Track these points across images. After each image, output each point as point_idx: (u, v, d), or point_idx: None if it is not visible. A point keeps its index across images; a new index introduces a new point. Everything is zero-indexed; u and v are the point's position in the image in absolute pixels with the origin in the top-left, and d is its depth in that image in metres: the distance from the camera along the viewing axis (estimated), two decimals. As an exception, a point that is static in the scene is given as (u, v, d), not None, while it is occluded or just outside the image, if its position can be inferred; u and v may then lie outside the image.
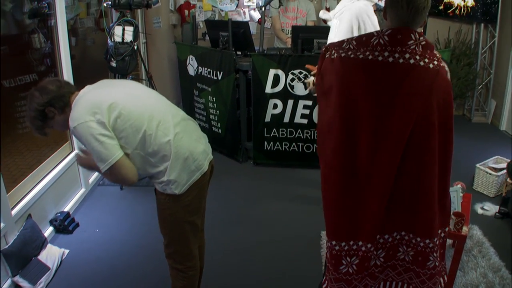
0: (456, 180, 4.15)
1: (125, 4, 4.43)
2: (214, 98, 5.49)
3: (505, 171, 4.49)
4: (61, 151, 4.37)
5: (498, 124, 6.89)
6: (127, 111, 2.30)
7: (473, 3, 6.75)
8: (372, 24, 3.69)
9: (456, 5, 6.86)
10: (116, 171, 2.29)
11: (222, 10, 7.18)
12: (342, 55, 2.14)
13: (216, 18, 7.17)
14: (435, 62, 2.07)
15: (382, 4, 2.38)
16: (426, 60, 2.05)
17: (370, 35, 2.12)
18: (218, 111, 5.50)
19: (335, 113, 2.16)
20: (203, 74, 5.53)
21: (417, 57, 2.05)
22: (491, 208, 4.38)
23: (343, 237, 2.27)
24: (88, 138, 2.21)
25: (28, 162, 3.97)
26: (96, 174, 5.00)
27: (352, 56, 2.12)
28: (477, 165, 4.80)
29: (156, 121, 2.37)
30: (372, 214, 2.19)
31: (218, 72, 5.26)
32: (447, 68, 2.14)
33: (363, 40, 2.13)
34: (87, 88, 2.44)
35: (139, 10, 6.30)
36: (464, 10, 6.84)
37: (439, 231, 2.29)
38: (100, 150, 2.22)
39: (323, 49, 2.27)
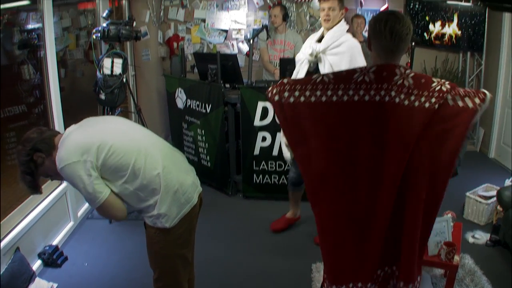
0: (446, 209, 4.15)
1: (114, 36, 4.46)
2: (203, 131, 5.48)
3: (495, 199, 4.48)
4: (50, 184, 4.32)
5: (487, 152, 6.94)
6: (115, 148, 2.29)
7: (459, 32, 6.87)
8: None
9: (442, 34, 6.97)
10: (105, 209, 2.31)
11: (211, 43, 7.24)
12: (312, 99, 2.10)
13: (205, 51, 7.22)
14: (433, 100, 2.00)
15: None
16: (423, 99, 2.02)
17: (352, 71, 2.11)
18: (207, 144, 5.48)
19: (328, 162, 2.14)
20: (191, 107, 5.53)
21: (402, 95, 2.03)
22: (482, 237, 4.36)
23: (344, 281, 2.26)
24: (76, 179, 2.22)
25: (16, 194, 3.92)
26: (84, 207, 4.97)
27: (330, 97, 2.07)
28: (467, 193, 4.81)
29: (144, 155, 2.36)
30: (372, 254, 2.19)
31: (206, 105, 5.27)
32: (457, 102, 2.03)
33: (343, 75, 2.11)
34: (72, 127, 2.44)
35: (128, 42, 6.34)
36: (450, 39, 6.95)
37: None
38: (88, 191, 2.23)
39: (270, 94, 2.20)
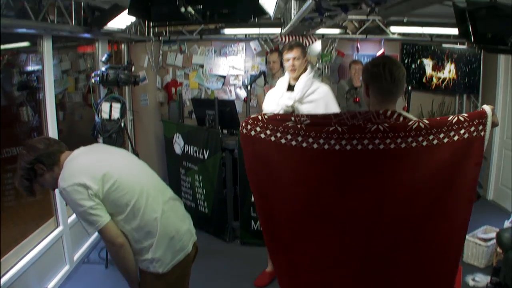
0: (445, 252, 4.08)
1: (113, 81, 4.48)
2: (201, 177, 5.45)
3: (494, 240, 4.43)
4: (46, 227, 4.31)
5: (485, 194, 6.89)
6: (120, 182, 2.29)
7: (455, 75, 6.94)
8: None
9: (438, 77, 7.04)
10: (104, 234, 2.27)
11: (209, 88, 7.29)
12: (282, 141, 2.13)
13: (203, 96, 7.27)
14: (409, 139, 2.01)
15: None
16: (412, 141, 2.01)
17: (327, 119, 2.12)
18: (204, 190, 5.44)
19: (293, 203, 2.16)
20: (189, 152, 5.52)
21: (399, 140, 2.02)
22: (482, 279, 4.30)
23: None
24: (76, 202, 2.20)
25: (13, 236, 3.89)
26: (81, 251, 4.92)
27: (300, 143, 2.09)
28: (466, 236, 4.73)
29: (146, 196, 2.36)
30: None
31: (204, 151, 5.26)
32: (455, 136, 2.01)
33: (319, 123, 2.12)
34: (81, 149, 2.45)
35: (126, 87, 6.40)
36: (446, 82, 7.02)
37: None
38: (88, 214, 2.21)
39: (243, 125, 2.24)
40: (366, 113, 2.08)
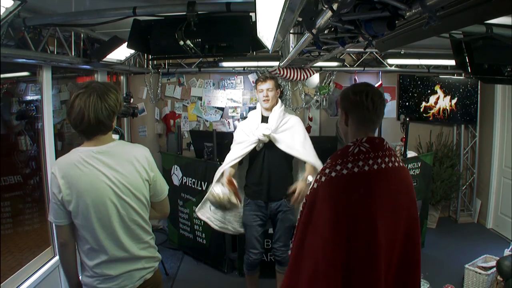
0: (445, 282, 4.08)
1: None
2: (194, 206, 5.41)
3: (495, 269, 4.43)
4: (43, 256, 4.27)
5: (484, 223, 6.90)
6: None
7: (452, 105, 6.98)
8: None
9: (436, 108, 7.07)
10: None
11: (207, 121, 7.30)
12: (333, 174, 2.15)
13: (201, 128, 7.26)
14: (400, 163, 2.26)
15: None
16: (398, 160, 2.23)
17: (346, 147, 2.20)
18: (202, 222, 5.38)
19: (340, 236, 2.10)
20: (187, 184, 5.51)
21: (393, 158, 2.20)
22: (483, 309, 4.25)
23: None
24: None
25: (8, 265, 3.85)
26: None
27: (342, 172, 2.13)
28: (466, 265, 4.74)
29: None
30: None
31: (202, 183, 5.26)
32: None
33: (338, 154, 2.21)
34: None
35: (125, 119, 6.41)
36: (444, 113, 7.05)
37: None
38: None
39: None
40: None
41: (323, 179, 2.15)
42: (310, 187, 2.23)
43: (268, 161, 4.01)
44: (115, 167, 2.36)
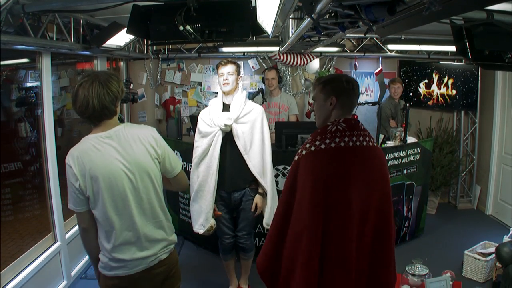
0: (444, 268, 4.10)
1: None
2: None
3: (494, 255, 4.45)
4: (44, 242, 4.30)
5: (484, 209, 6.92)
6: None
7: (453, 92, 6.97)
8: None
9: (436, 94, 7.07)
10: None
11: (207, 106, 7.27)
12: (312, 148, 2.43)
13: (201, 113, 7.25)
14: (374, 143, 2.51)
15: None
16: (372, 141, 2.48)
17: (325, 126, 2.48)
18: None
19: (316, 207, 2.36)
20: (187, 169, 5.50)
21: (367, 138, 2.45)
22: (482, 294, 4.29)
23: None
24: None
25: (10, 251, 3.87)
26: (78, 267, 4.92)
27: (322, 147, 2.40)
28: (465, 251, 4.76)
29: None
30: None
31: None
32: None
33: (318, 132, 2.47)
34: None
35: (125, 104, 6.40)
36: (444, 99, 7.04)
37: None
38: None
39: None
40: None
41: (303, 152, 2.44)
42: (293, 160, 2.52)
43: (228, 151, 3.92)
44: (124, 149, 2.45)
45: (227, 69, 3.87)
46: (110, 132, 2.45)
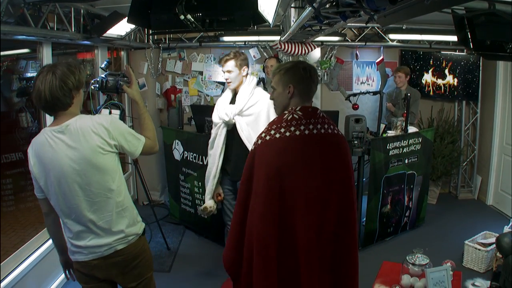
0: (445, 258, 4.10)
1: (113, 88, 4.44)
2: (200, 183, 5.43)
3: (494, 245, 4.46)
4: (45, 232, 4.27)
5: (484, 199, 6.93)
6: None
7: (454, 82, 6.95)
8: None
9: (437, 84, 7.05)
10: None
11: (208, 95, 7.29)
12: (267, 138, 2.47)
13: (202, 103, 7.26)
14: (336, 130, 2.55)
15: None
16: (333, 128, 2.51)
17: (281, 115, 2.51)
18: (203, 196, 5.41)
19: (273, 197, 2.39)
20: (188, 158, 5.52)
21: (326, 126, 2.47)
22: (482, 284, 4.31)
23: None
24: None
25: (11, 241, 3.89)
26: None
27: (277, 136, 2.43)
28: (466, 241, 4.78)
29: None
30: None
31: (203, 157, 5.25)
32: None
33: (274, 121, 2.51)
34: None
35: (126, 94, 6.37)
36: (445, 89, 7.03)
37: None
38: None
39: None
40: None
41: (259, 142, 2.48)
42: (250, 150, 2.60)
43: (233, 142, 3.95)
44: (73, 144, 2.44)
45: (226, 67, 3.85)
46: (63, 127, 2.45)
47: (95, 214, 2.52)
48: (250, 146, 3.82)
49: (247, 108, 3.84)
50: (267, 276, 2.37)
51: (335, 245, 2.47)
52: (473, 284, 4.31)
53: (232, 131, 3.92)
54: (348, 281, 2.56)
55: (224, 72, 3.89)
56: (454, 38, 5.50)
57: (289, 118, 2.43)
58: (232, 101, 3.95)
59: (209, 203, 4.05)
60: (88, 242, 2.54)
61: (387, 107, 6.37)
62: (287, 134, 2.39)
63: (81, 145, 2.44)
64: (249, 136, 3.81)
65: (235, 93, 3.97)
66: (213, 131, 4.03)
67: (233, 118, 3.83)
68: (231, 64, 3.83)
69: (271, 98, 2.66)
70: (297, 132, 2.39)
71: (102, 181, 2.51)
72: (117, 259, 2.61)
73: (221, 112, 3.89)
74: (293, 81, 2.49)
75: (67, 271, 2.87)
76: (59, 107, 2.46)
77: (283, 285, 2.40)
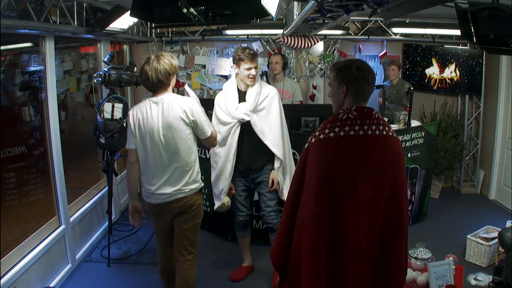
0: (447, 252, 4.11)
1: (115, 81, 4.48)
2: (203, 177, 5.38)
3: (496, 240, 4.45)
4: (48, 225, 4.32)
5: (487, 194, 6.92)
6: None
7: (457, 76, 6.93)
8: None
9: (440, 78, 7.04)
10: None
11: (211, 89, 7.28)
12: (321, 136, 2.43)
13: (205, 97, 7.24)
14: (390, 132, 2.47)
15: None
16: (388, 130, 2.43)
17: (336, 114, 2.46)
18: (206, 190, 5.39)
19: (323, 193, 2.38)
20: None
21: (381, 127, 2.40)
22: (484, 279, 4.31)
23: None
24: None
25: (14, 235, 3.91)
26: (83, 250, 4.98)
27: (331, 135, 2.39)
28: (468, 236, 4.78)
29: None
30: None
31: (206, 151, 5.24)
32: None
33: (329, 119, 2.46)
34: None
35: (128, 87, 6.39)
36: (449, 83, 7.01)
37: None
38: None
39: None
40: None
41: (313, 140, 2.46)
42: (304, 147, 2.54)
43: (246, 137, 3.98)
44: (163, 112, 3.23)
45: (255, 64, 3.90)
46: (158, 99, 3.26)
47: (168, 168, 3.30)
48: (263, 138, 3.93)
49: (260, 103, 3.93)
50: (317, 282, 2.37)
51: (383, 249, 2.44)
52: (475, 279, 4.32)
53: (242, 128, 3.96)
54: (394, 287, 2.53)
55: (250, 69, 3.87)
56: (457, 32, 5.48)
57: (344, 118, 2.39)
58: (240, 99, 3.96)
59: (226, 199, 4.20)
60: (159, 190, 3.33)
61: (378, 102, 6.34)
62: (341, 134, 2.36)
63: (168, 114, 3.23)
64: (262, 129, 3.92)
65: (239, 90, 3.98)
66: (218, 129, 3.97)
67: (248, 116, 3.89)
68: (257, 62, 3.91)
69: (329, 95, 2.65)
70: (352, 132, 2.36)
71: (178, 143, 3.28)
72: (176, 205, 3.38)
73: (237, 113, 3.90)
74: (346, 81, 2.44)
75: (132, 218, 3.53)
76: (160, 87, 3.26)
77: (329, 286, 2.39)
